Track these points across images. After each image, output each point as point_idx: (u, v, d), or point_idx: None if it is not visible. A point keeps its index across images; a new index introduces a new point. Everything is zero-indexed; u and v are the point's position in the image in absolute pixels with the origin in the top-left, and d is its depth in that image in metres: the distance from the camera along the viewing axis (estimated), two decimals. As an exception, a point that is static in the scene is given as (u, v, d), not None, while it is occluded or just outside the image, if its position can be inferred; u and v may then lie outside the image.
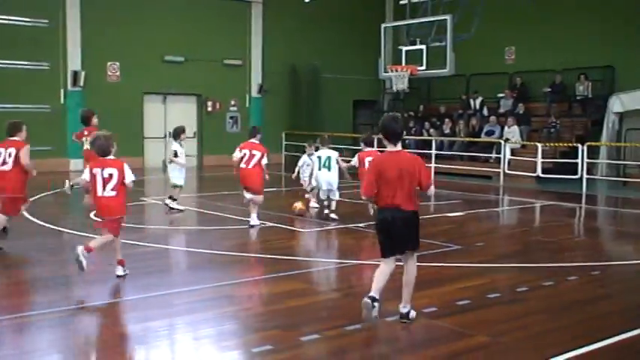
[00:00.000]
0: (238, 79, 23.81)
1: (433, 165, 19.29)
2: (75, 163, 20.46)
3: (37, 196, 13.95)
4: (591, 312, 6.32)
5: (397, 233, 5.75)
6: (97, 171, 7.50)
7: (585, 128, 20.13)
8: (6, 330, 5.66)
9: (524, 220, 13.15)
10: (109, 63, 21.08)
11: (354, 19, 25.23)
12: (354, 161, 11.71)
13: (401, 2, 19.45)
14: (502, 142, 19.05)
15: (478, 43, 20.12)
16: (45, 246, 9.31)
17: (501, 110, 21.68)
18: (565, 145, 18.29)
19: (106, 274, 7.66)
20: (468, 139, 20.74)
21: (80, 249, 7.17)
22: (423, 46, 17.54)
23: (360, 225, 11.17)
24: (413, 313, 5.90)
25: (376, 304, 5.67)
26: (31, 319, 5.90)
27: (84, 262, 7.12)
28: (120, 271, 7.40)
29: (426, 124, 22.60)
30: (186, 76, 22.37)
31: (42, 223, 10.87)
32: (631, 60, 19.86)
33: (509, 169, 18.61)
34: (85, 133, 12.13)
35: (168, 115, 22.73)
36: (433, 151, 19.91)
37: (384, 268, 5.89)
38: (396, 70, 17.90)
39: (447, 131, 21.76)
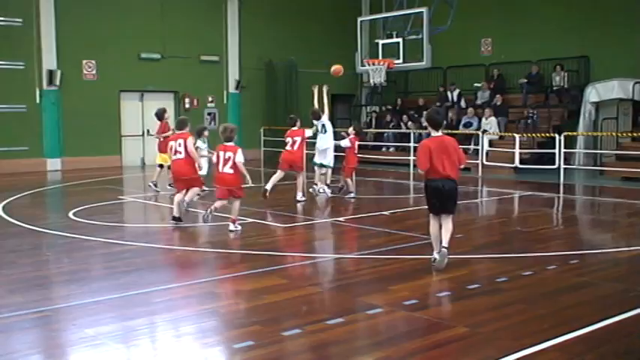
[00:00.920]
0: (215, 76, 23.70)
1: (412, 157, 19.37)
2: (51, 163, 20.30)
3: (14, 197, 13.80)
4: (571, 301, 6.38)
5: (439, 196, 7.41)
6: (220, 154, 9.82)
7: (562, 118, 20.30)
8: (-17, 332, 5.59)
9: (503, 211, 13.24)
10: (84, 61, 20.87)
11: (330, 13, 25.21)
12: (345, 142, 13.42)
13: (377, -5, 19.47)
14: (480, 133, 19.16)
15: (454, 35, 20.22)
16: (22, 246, 9.21)
17: (478, 102, 21.79)
18: (542, 135, 18.43)
19: (84, 274, 7.60)
20: (445, 131, 20.77)
21: (231, 226, 9.92)
22: (400, 40, 17.59)
23: (340, 219, 11.18)
24: (447, 249, 7.43)
25: (445, 251, 7.39)
26: (9, 320, 5.83)
27: (239, 230, 9.87)
28: (232, 226, 9.91)
29: (404, 117, 22.66)
30: (163, 73, 22.22)
31: (19, 223, 10.74)
32: (605, 50, 20.05)
33: (487, 161, 18.72)
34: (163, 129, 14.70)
35: (145, 113, 22.56)
36: (412, 144, 19.96)
37: (433, 225, 7.60)
38: (373, 64, 17.93)
39: (424, 124, 21.82)
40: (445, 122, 20.96)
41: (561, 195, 14.99)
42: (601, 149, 18.86)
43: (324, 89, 14.36)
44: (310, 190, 13.50)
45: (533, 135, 18.65)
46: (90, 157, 20.44)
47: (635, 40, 19.30)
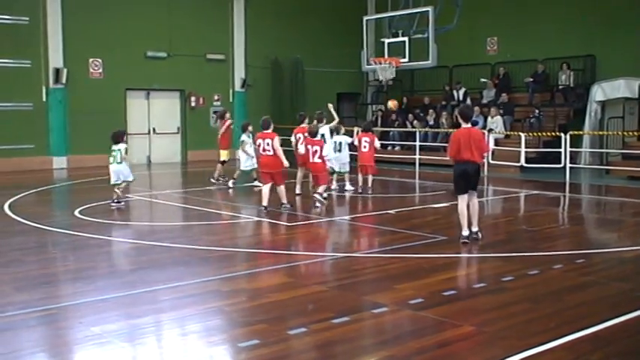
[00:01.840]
0: (221, 74, 23.72)
1: (417, 156, 19.35)
2: (57, 161, 20.35)
3: (20, 195, 13.85)
4: (577, 300, 6.36)
5: (467, 177, 8.87)
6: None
7: (568, 117, 20.25)
8: (-10, 330, 5.61)
9: (509, 210, 13.21)
10: (91, 59, 20.92)
11: (336, 12, 25.19)
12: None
13: (383, -6, 19.44)
14: (486, 132, 19.11)
15: (460, 34, 20.17)
16: (28, 244, 9.23)
17: (484, 101, 21.75)
18: (548, 134, 18.39)
19: (90, 272, 7.62)
20: (451, 129, 20.76)
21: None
22: (406, 38, 17.53)
23: (346, 218, 11.18)
24: (480, 235, 8.97)
25: (474, 235, 8.91)
26: (16, 318, 5.85)
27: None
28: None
29: (410, 115, 22.63)
30: (169, 71, 22.25)
31: (24, 221, 10.78)
32: (611, 49, 19.99)
33: (493, 159, 18.68)
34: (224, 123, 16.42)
35: (151, 111, 22.61)
36: (417, 143, 19.94)
37: (461, 204, 8.94)
38: (380, 63, 17.89)
39: (432, 122, 21.82)
40: (452, 121, 21.09)
41: (567, 194, 14.95)
42: (607, 148, 18.80)
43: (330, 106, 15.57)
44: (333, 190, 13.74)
45: (539, 134, 18.60)
46: (96, 156, 20.42)
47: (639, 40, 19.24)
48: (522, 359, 4.82)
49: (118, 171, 12.54)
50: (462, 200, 8.96)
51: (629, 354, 5.14)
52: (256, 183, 14.61)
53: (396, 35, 17.88)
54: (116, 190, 12.47)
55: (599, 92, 19.53)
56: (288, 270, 7.70)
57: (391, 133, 22.89)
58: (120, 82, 21.33)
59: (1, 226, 10.47)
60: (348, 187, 14.13)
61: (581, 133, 18.80)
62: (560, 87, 20.63)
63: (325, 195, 12.44)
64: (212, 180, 15.93)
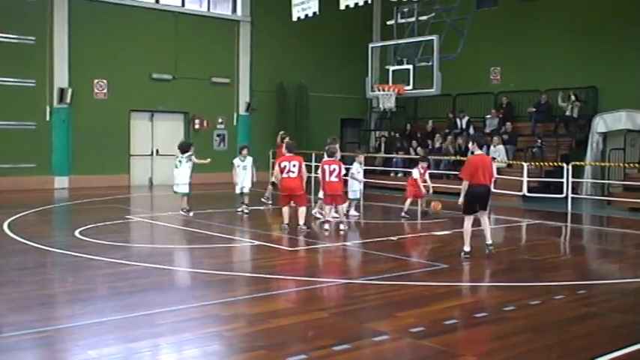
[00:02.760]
0: (226, 97, 23.81)
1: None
2: (59, 181, 20.35)
3: (20, 214, 13.82)
4: (578, 331, 6.30)
5: (480, 199, 9.80)
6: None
7: (570, 148, 20.26)
8: (-14, 350, 5.55)
9: (511, 239, 13.16)
10: (96, 80, 21.02)
11: (341, 38, 25.34)
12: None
13: (388, 23, 19.53)
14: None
15: (464, 63, 20.27)
16: (27, 264, 9.19)
17: (487, 130, 21.79)
18: (550, 164, 18.38)
19: (88, 294, 7.57)
20: (454, 157, 20.81)
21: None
22: (410, 66, 17.60)
23: (348, 244, 11.14)
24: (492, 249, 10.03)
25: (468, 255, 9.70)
26: (11, 340, 5.79)
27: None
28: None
29: (414, 142, 22.66)
30: (173, 93, 22.35)
31: (24, 240, 10.74)
32: (613, 81, 20.07)
33: (495, 188, 18.60)
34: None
35: (155, 133, 22.66)
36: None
37: (468, 223, 9.83)
38: (384, 90, 17.94)
39: (438, 145, 21.89)
40: (453, 150, 21.15)
41: (569, 224, 14.91)
42: (608, 179, 18.78)
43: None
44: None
45: (541, 163, 18.58)
46: (98, 176, 20.49)
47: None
48: (524, 391, 4.77)
49: (175, 176, 14.18)
50: (469, 220, 9.86)
51: (632, 388, 5.07)
52: (244, 208, 14.70)
53: (400, 63, 17.97)
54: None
55: (601, 124, 19.57)
56: (289, 295, 7.64)
57: (394, 159, 22.89)
58: (124, 103, 21.41)
59: (0, 246, 10.43)
60: (353, 212, 14.22)
61: (583, 163, 18.79)
62: (567, 115, 20.59)
63: (344, 217, 12.76)
64: (262, 200, 16.20)
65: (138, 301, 7.19)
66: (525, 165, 18.02)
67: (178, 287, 8.14)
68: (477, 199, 9.81)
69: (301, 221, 12.09)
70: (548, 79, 21.31)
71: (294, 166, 12.05)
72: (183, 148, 14.46)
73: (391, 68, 18.21)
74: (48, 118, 20.25)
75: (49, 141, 20.29)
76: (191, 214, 13.83)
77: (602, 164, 18.77)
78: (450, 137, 21.84)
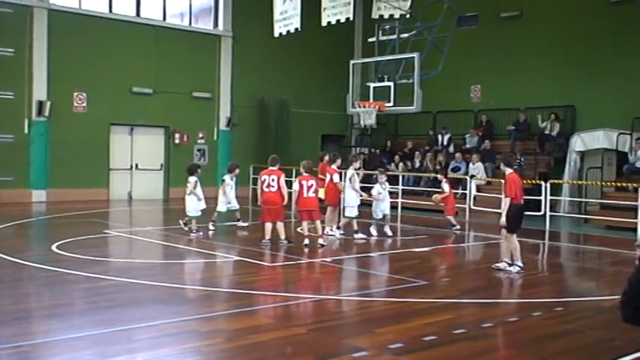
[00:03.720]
0: (207, 112, 23.79)
1: (400, 200, 19.40)
2: (37, 194, 20.16)
3: (-2, 228, 13.67)
4: (555, 348, 6.34)
5: (522, 216, 10.33)
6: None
7: (548, 166, 20.46)
8: (-41, 365, 5.47)
9: (490, 256, 13.18)
10: (75, 93, 20.91)
11: (322, 54, 25.47)
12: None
13: (369, 40, 19.67)
14: (468, 178, 19.25)
15: (445, 81, 20.43)
16: (2, 279, 9.07)
17: (467, 146, 21.97)
18: (529, 182, 18.54)
19: (65, 309, 7.49)
20: (433, 174, 20.93)
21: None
22: (391, 83, 17.69)
23: (327, 260, 11.13)
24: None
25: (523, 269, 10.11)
26: (-13, 355, 5.71)
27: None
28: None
29: (396, 157, 22.75)
30: (154, 107, 22.28)
31: (0, 255, 10.59)
32: (591, 100, 20.33)
33: (474, 205, 18.77)
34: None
35: (135, 147, 22.56)
36: (400, 187, 20.00)
37: (515, 240, 10.19)
38: (364, 106, 18.00)
39: (417, 165, 21.98)
40: (433, 167, 21.26)
41: (547, 242, 15.02)
42: (586, 197, 18.97)
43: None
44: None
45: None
46: (76, 190, 20.33)
47: (621, 92, 19.60)
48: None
49: (187, 203, 13.66)
50: (515, 236, 10.24)
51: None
52: (240, 223, 14.68)
53: (381, 80, 18.06)
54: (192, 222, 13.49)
55: (579, 142, 19.81)
56: (268, 311, 7.62)
57: (374, 175, 22.93)
58: (104, 116, 21.30)
59: (-23, 259, 10.30)
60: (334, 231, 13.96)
61: (561, 182, 18.97)
62: (545, 134, 20.79)
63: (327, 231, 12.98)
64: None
65: (115, 316, 7.13)
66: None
67: (156, 302, 8.07)
68: (521, 217, 10.31)
69: (282, 236, 12.08)
70: (528, 98, 21.55)
71: (272, 180, 12.10)
72: (190, 170, 14.05)
73: (372, 85, 18.30)
74: (26, 131, 20.08)
75: (27, 154, 20.10)
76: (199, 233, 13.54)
77: (580, 182, 18.97)
78: (429, 154, 21.95)
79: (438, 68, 17.61)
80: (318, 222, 12.28)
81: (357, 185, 13.96)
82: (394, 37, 18.13)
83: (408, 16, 18.20)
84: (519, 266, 10.12)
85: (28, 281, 9.16)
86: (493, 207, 18.23)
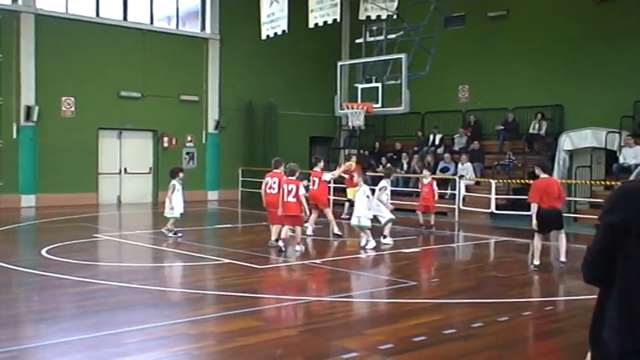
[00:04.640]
0: (195, 115, 23.75)
1: (389, 201, 19.41)
2: (26, 199, 20.07)
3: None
4: (546, 347, 6.38)
5: (551, 221, 10.53)
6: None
7: (536, 160, 20.51)
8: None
9: (479, 256, 13.28)
10: (63, 98, 20.82)
11: (310, 56, 25.48)
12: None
13: (356, 41, 19.71)
14: (457, 178, 19.31)
15: (432, 82, 20.49)
16: (-8, 284, 9.03)
17: (455, 147, 22.04)
18: (518, 182, 18.62)
19: (55, 313, 7.46)
20: (422, 175, 20.98)
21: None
22: (379, 84, 17.73)
23: (317, 261, 11.14)
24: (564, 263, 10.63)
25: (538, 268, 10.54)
26: (-25, 361, 5.69)
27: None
28: (297, 247, 11.77)
29: (383, 159, 22.78)
30: (142, 111, 22.21)
31: (-11, 260, 10.54)
32: (579, 99, 20.43)
33: (463, 205, 18.83)
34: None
35: (123, 151, 22.49)
36: (388, 188, 20.01)
37: (538, 241, 10.68)
38: (352, 108, 18.03)
39: (405, 167, 22.00)
40: (419, 169, 21.29)
41: (536, 241, 15.06)
42: (575, 196, 19.07)
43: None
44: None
45: (509, 181, 18.82)
46: (65, 194, 20.23)
47: (608, 91, 19.71)
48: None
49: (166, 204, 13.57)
50: (539, 237, 10.69)
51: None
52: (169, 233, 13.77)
53: (369, 81, 18.10)
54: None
55: (568, 141, 19.89)
56: (258, 313, 7.62)
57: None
58: (92, 121, 21.22)
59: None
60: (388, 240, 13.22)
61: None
62: (532, 133, 20.90)
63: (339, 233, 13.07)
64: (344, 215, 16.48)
65: (105, 320, 7.11)
66: (493, 182, 18.22)
67: (146, 306, 8.05)
68: (547, 221, 10.51)
69: (273, 237, 12.09)
70: (516, 98, 21.63)
71: (274, 182, 12.19)
72: (171, 174, 13.90)
73: (360, 86, 18.33)
74: (15, 136, 19.97)
75: (16, 159, 19.99)
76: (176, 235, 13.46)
77: (569, 181, 19.06)
78: (416, 156, 21.92)
79: (426, 69, 17.67)
80: (298, 228, 12.11)
81: (384, 197, 13.21)
82: (381, 38, 18.17)
83: (395, 16, 18.25)
84: (535, 264, 10.62)
85: (18, 286, 9.12)
86: (482, 207, 18.33)
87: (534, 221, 10.51)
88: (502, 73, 22.22)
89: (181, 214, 13.55)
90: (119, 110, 21.81)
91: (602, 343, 2.62)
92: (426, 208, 15.95)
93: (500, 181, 18.74)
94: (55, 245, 12.05)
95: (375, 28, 18.41)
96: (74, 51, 20.71)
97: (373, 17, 18.55)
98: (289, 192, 11.71)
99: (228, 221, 15.05)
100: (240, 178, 24.09)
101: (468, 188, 19.66)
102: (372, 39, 18.49)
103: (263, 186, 12.56)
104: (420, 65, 17.74)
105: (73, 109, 21.01)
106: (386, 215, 13.09)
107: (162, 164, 22.82)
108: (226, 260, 10.97)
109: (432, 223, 15.76)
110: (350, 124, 18.48)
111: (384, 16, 18.23)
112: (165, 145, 22.98)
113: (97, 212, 19.30)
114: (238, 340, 6.37)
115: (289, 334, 6.67)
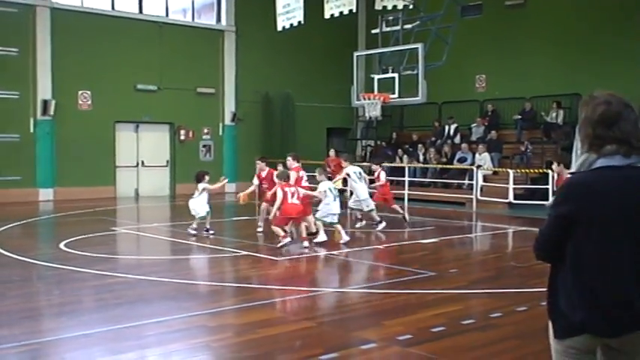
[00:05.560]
0: (211, 108, 23.79)
1: (406, 192, 19.38)
2: (44, 193, 20.22)
3: (4, 227, 13.70)
4: (565, 337, 6.31)
5: None
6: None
7: (555, 154, 20.34)
8: (-30, 365, 5.49)
9: (497, 246, 13.20)
10: (80, 91, 20.93)
11: (326, 47, 25.40)
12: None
13: (373, 31, 19.63)
14: (474, 168, 19.20)
15: (449, 72, 20.37)
16: (11, 277, 9.10)
17: (473, 138, 21.90)
18: (535, 171, 18.47)
19: (74, 306, 7.50)
20: (440, 166, 20.91)
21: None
22: (395, 75, 17.67)
23: (334, 253, 11.12)
24: None
25: None
26: (-3, 353, 5.73)
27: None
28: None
29: (399, 150, 22.72)
30: (158, 104, 22.29)
31: (8, 254, 10.63)
32: (596, 88, 19.88)
33: (481, 196, 18.72)
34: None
35: (140, 144, 22.58)
36: (406, 178, 19.98)
37: None
38: (369, 98, 17.99)
39: (421, 159, 21.88)
40: (439, 157, 21.23)
41: (555, 231, 14.95)
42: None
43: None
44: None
45: (527, 171, 18.68)
46: (83, 188, 20.36)
47: (626, 79, 19.46)
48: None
49: (190, 206, 12.96)
50: None
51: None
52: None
53: (386, 71, 18.03)
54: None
55: (586, 130, 19.66)
56: (276, 305, 7.62)
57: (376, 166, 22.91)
58: (109, 114, 21.32)
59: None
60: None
61: (567, 170, 18.88)
62: (549, 122, 20.72)
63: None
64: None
65: (124, 312, 7.14)
66: (511, 172, 18.09)
67: (165, 298, 8.08)
68: None
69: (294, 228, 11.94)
70: (533, 87, 21.44)
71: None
72: (197, 178, 13.15)
73: (376, 77, 18.27)
74: (32, 130, 20.13)
75: (34, 153, 20.15)
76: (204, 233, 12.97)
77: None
78: (432, 149, 21.73)
79: (443, 58, 17.58)
80: (302, 224, 11.66)
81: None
82: (398, 28, 18.10)
83: (411, 6, 18.15)
84: None
85: (37, 280, 9.19)
86: (500, 197, 18.22)
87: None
88: (519, 62, 22.02)
89: (208, 212, 13.13)
90: (136, 103, 21.90)
91: (562, 313, 2.98)
92: (385, 201, 14.66)
93: (518, 170, 18.60)
94: (74, 238, 12.13)
95: (391, 18, 18.33)
96: (90, 44, 20.79)
97: (389, 7, 18.44)
98: (292, 194, 11.31)
99: (245, 213, 15.06)
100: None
101: (485, 178, 19.54)
102: (388, 29, 18.42)
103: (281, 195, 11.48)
104: (436, 55, 17.65)
105: (89, 102, 21.12)
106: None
107: (180, 157, 22.95)
108: (244, 252, 10.99)
109: (402, 212, 14.81)
110: (367, 114, 18.45)
111: (400, 6, 18.12)
112: (182, 137, 23.04)
113: (114, 205, 19.41)
114: (257, 332, 6.37)
115: (308, 326, 6.66)
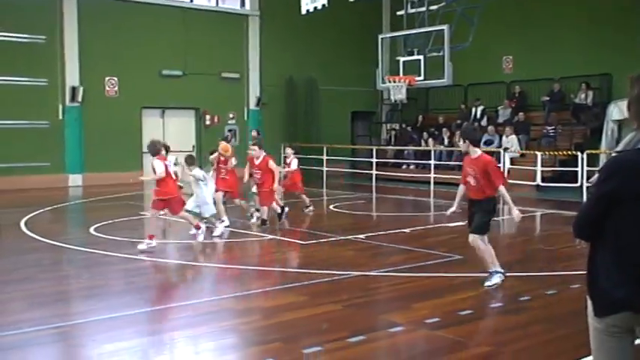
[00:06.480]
0: (236, 93, 23.82)
1: (432, 175, 19.28)
2: (73, 179, 20.47)
3: (36, 212, 13.90)
4: (595, 320, 6.25)
5: None
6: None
7: (584, 136, 20.10)
8: (3, 347, 5.58)
9: (525, 229, 13.07)
10: (107, 78, 21.08)
11: (351, 30, 25.26)
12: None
13: (398, 13, 19.46)
14: (501, 151, 19.02)
15: (475, 53, 20.14)
16: (42, 261, 9.24)
17: (500, 120, 21.68)
18: (564, 153, 18.25)
19: (103, 289, 7.60)
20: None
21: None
22: (421, 57, 17.51)
23: (360, 236, 11.12)
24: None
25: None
26: (28, 336, 5.83)
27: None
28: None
29: (425, 134, 22.58)
30: (184, 90, 22.37)
31: (40, 238, 10.80)
32: (627, 67, 19.72)
33: (509, 178, 18.52)
34: None
35: (166, 129, 22.71)
36: (432, 162, 19.87)
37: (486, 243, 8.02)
38: (394, 81, 17.87)
39: (446, 142, 21.72)
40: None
41: (584, 213, 14.79)
42: (624, 167, 18.59)
43: None
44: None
45: (555, 153, 18.46)
46: (111, 173, 20.54)
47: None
48: (541, 381, 4.74)
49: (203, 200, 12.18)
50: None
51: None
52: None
53: (411, 53, 17.88)
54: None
55: (616, 111, 19.35)
56: (303, 288, 7.64)
57: (406, 151, 22.84)
58: (135, 100, 21.46)
59: (17, 243, 10.50)
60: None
61: (597, 152, 18.63)
62: (578, 104, 20.43)
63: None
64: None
65: (153, 295, 7.23)
66: (539, 154, 17.89)
67: (193, 282, 8.15)
68: None
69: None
70: (561, 68, 21.13)
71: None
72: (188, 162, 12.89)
73: (401, 59, 18.12)
74: (61, 117, 20.35)
75: (63, 139, 20.39)
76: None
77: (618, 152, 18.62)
78: (457, 132, 21.55)
79: (469, 40, 17.37)
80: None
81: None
82: (423, 9, 17.90)
83: (436, -13, 17.93)
84: None
85: (67, 263, 9.32)
86: (527, 180, 18.03)
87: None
88: (547, 42, 21.69)
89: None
90: (161, 89, 22.00)
91: (602, 291, 3.00)
92: (293, 187, 14.15)
93: (546, 153, 18.38)
94: (103, 223, 12.28)
95: (416, -1, 18.13)
96: (116, 31, 20.90)
97: (414, -12, 18.25)
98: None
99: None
100: (283, 155, 24.11)
101: (512, 161, 19.35)
102: (413, 10, 18.23)
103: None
104: (462, 36, 17.45)
105: (116, 89, 21.28)
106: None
107: (205, 142, 22.98)
108: (270, 236, 11.02)
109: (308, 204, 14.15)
110: (392, 97, 18.34)
111: (425, -13, 17.92)
112: (208, 122, 23.12)
113: (142, 190, 19.56)
114: (284, 315, 6.40)
115: (335, 309, 6.68)
